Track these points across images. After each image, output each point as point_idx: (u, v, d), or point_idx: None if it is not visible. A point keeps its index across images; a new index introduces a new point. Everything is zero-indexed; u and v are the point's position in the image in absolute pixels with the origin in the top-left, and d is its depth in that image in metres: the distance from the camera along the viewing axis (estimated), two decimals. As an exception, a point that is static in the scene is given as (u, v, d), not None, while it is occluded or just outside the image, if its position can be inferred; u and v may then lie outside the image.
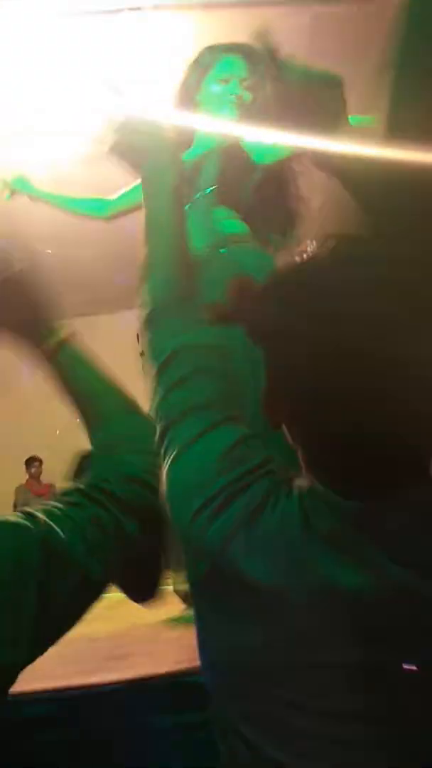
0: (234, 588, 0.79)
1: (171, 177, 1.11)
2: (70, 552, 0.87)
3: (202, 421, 0.88)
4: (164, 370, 0.93)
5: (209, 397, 0.90)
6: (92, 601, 0.93)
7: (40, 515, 0.88)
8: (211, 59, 2.30)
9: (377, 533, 0.77)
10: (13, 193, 2.64)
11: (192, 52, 3.01)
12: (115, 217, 2.55)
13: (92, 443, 1.06)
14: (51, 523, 0.88)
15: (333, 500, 0.79)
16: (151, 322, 0.98)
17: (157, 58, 2.93)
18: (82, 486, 0.97)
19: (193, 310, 0.99)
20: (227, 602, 0.81)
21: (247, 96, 2.22)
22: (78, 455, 1.09)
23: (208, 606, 0.84)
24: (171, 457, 0.88)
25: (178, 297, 0.99)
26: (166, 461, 0.88)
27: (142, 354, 1.02)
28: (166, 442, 0.89)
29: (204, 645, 0.86)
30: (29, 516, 0.88)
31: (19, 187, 2.64)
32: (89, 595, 0.92)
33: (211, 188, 2.23)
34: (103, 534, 0.92)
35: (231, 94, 2.22)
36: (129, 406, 1.08)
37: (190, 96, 2.26)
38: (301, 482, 0.83)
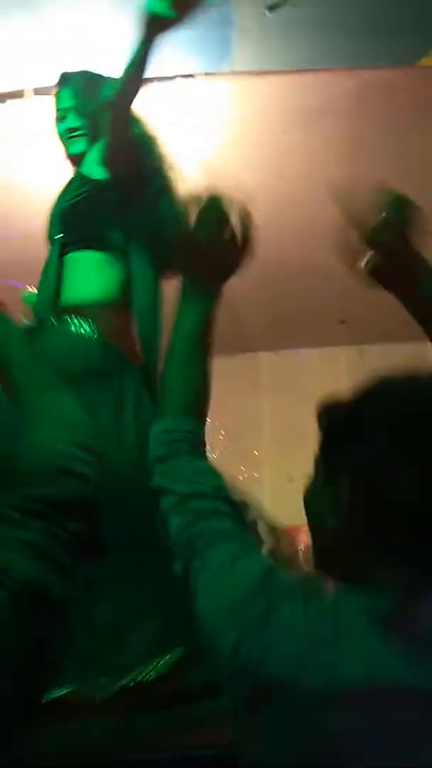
0: (279, 699, 0.80)
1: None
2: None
3: (235, 550, 0.95)
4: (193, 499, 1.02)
5: (239, 527, 1.01)
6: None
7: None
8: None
9: (411, 631, 0.78)
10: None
11: (237, 120, 3.08)
12: None
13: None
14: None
15: (364, 602, 0.81)
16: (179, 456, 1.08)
17: (204, 126, 3.01)
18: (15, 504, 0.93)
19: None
20: (276, 715, 0.81)
21: (79, 121, 2.04)
22: None
23: (257, 725, 0.83)
24: (205, 579, 0.93)
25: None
26: (194, 579, 0.94)
27: None
28: (196, 563, 0.95)
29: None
30: None
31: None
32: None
33: (58, 236, 2.00)
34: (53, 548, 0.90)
35: (65, 129, 2.06)
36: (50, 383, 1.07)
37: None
38: (330, 587, 0.87)
